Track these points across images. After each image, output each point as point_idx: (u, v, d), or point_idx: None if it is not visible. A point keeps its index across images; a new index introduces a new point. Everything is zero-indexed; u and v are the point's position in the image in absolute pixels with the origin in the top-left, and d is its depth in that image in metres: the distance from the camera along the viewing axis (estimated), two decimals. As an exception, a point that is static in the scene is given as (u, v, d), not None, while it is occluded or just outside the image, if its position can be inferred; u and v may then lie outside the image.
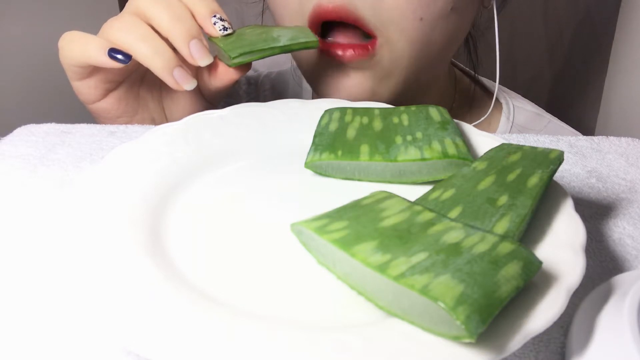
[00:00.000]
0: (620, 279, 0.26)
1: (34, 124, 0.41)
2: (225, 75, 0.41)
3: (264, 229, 0.29)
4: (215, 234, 0.29)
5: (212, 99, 0.45)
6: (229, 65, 0.40)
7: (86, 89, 0.41)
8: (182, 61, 0.39)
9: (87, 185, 0.29)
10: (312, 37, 0.40)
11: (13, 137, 0.39)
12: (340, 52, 0.43)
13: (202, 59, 0.38)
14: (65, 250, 0.25)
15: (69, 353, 0.23)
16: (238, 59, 0.39)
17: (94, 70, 0.40)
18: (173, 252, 0.27)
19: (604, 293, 0.25)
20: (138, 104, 0.44)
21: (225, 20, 0.40)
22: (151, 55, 0.38)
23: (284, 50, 0.40)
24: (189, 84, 0.39)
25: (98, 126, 0.41)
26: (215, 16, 0.40)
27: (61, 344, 0.23)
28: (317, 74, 0.45)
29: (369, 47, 0.42)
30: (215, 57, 0.40)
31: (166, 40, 0.39)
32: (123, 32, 0.38)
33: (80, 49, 0.38)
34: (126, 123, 0.43)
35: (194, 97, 0.44)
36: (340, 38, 0.44)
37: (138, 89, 0.44)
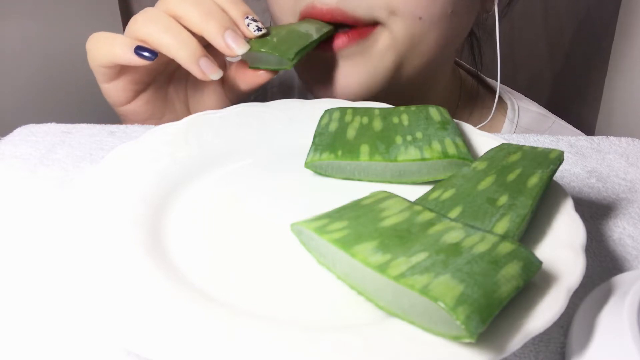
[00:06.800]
0: (620, 279, 0.26)
1: (34, 124, 0.41)
2: (253, 79, 0.41)
3: (264, 228, 0.29)
4: (215, 234, 0.29)
5: (237, 100, 0.45)
6: (277, 70, 0.41)
7: (115, 91, 0.42)
8: (211, 53, 0.39)
9: (87, 185, 0.29)
10: (328, 26, 0.42)
11: (13, 137, 0.39)
12: (335, 42, 0.43)
13: (240, 48, 0.38)
14: (66, 251, 0.25)
15: (69, 353, 0.23)
16: (296, 59, 0.39)
17: (122, 70, 0.41)
18: (173, 252, 0.27)
19: (604, 293, 0.25)
20: (166, 106, 0.44)
21: (258, 21, 0.40)
22: (176, 46, 0.38)
23: (317, 42, 0.41)
24: (216, 74, 0.38)
25: (98, 126, 0.41)
26: (247, 17, 0.40)
27: (61, 344, 0.23)
28: (309, 68, 0.45)
29: (365, 32, 0.42)
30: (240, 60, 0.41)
31: (200, 38, 0.38)
32: (147, 25, 0.38)
33: (107, 48, 0.39)
34: (154, 125, 0.43)
35: (220, 99, 0.45)
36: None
37: (165, 90, 0.44)
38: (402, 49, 0.43)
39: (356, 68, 0.43)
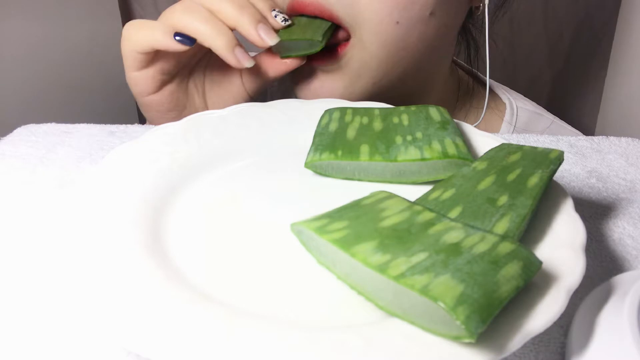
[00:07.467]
0: (620, 279, 0.26)
1: (34, 124, 0.41)
2: (281, 66, 0.43)
3: (264, 229, 0.29)
4: (215, 234, 0.29)
5: (255, 93, 0.46)
6: (305, 55, 0.43)
7: (143, 79, 0.42)
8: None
9: (87, 185, 0.29)
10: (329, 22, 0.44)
11: (13, 137, 0.39)
12: (313, 61, 0.45)
13: (272, 40, 0.41)
14: (66, 251, 0.25)
15: (69, 353, 0.23)
16: (324, 41, 0.42)
17: (153, 58, 0.42)
18: (173, 252, 0.27)
19: (604, 293, 0.25)
20: (187, 99, 0.46)
21: (284, 12, 0.43)
22: (214, 35, 0.39)
23: (333, 28, 0.43)
24: (249, 62, 0.40)
25: (98, 126, 0.41)
26: (274, 10, 0.42)
27: (61, 344, 0.23)
28: (296, 76, 0.47)
29: (339, 50, 0.44)
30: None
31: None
32: (185, 14, 0.40)
33: (146, 33, 0.40)
34: (176, 118, 0.44)
35: (237, 91, 0.46)
36: None
37: (187, 83, 0.46)
38: (379, 59, 0.44)
39: (335, 83, 0.45)
